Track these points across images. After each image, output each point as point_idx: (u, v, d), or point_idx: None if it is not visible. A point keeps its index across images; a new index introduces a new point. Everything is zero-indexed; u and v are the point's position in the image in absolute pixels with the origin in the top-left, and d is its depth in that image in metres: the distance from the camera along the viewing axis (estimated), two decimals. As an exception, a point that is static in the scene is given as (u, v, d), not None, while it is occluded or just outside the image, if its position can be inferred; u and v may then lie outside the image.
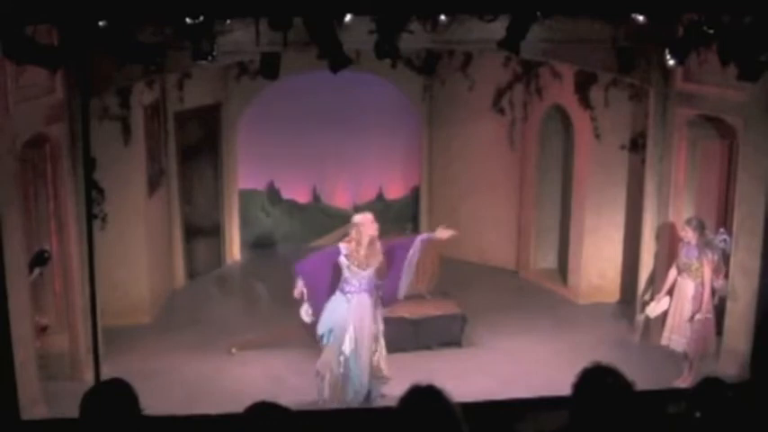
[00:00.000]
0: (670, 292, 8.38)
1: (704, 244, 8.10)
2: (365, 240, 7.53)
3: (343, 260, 7.56)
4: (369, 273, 7.60)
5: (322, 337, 7.69)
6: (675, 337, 8.30)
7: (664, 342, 8.41)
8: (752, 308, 8.16)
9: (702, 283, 8.10)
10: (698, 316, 8.11)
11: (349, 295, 7.58)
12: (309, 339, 9.29)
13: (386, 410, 3.11)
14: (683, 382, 8.12)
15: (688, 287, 8.19)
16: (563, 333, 9.67)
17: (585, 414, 3.27)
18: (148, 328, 9.80)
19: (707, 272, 8.07)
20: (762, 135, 8.00)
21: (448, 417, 3.08)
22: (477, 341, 9.46)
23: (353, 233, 7.57)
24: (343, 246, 7.62)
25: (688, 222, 8.25)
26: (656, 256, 9.32)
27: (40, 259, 7.62)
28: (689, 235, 8.13)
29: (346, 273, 7.57)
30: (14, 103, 7.08)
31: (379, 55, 7.23)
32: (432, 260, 9.87)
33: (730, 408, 3.91)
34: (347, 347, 7.58)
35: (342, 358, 7.61)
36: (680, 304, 8.27)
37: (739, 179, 8.35)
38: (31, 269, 7.56)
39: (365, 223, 7.59)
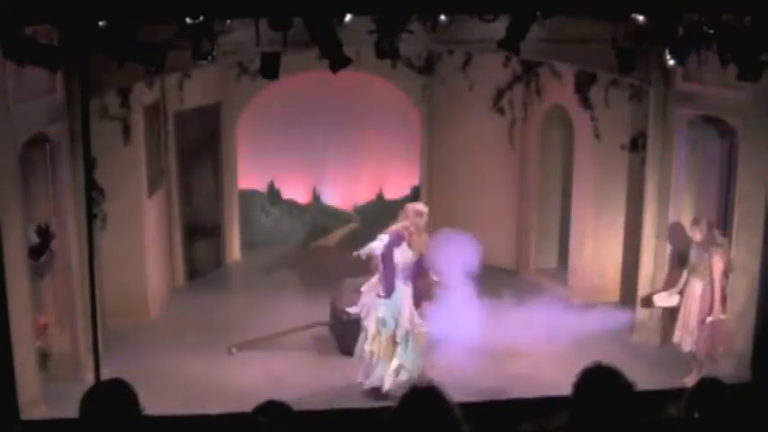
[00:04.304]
0: (681, 291, 8.42)
1: (711, 243, 8.10)
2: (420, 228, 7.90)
3: (405, 246, 7.83)
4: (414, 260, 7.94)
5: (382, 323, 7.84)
6: (685, 337, 8.33)
7: (675, 340, 8.47)
8: (752, 308, 8.16)
9: (711, 283, 8.10)
10: (709, 318, 8.12)
11: (405, 281, 7.91)
12: (309, 339, 9.32)
13: (386, 410, 3.10)
14: (691, 381, 8.09)
15: (696, 287, 8.22)
16: (563, 333, 9.64)
17: (586, 414, 3.27)
18: (148, 328, 9.78)
19: (715, 272, 8.07)
20: (762, 135, 8.00)
21: (448, 417, 3.08)
22: (477, 341, 9.43)
23: (410, 223, 7.85)
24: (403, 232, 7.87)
25: (695, 222, 8.29)
26: (656, 256, 9.31)
27: (44, 236, 7.66)
28: (697, 236, 8.15)
29: (403, 258, 7.85)
30: (14, 103, 7.08)
31: (379, 55, 7.24)
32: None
33: (729, 408, 3.92)
34: (401, 332, 7.87)
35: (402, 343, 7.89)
36: (688, 304, 8.31)
37: (739, 179, 8.35)
38: (43, 247, 7.61)
39: (421, 212, 7.93)
